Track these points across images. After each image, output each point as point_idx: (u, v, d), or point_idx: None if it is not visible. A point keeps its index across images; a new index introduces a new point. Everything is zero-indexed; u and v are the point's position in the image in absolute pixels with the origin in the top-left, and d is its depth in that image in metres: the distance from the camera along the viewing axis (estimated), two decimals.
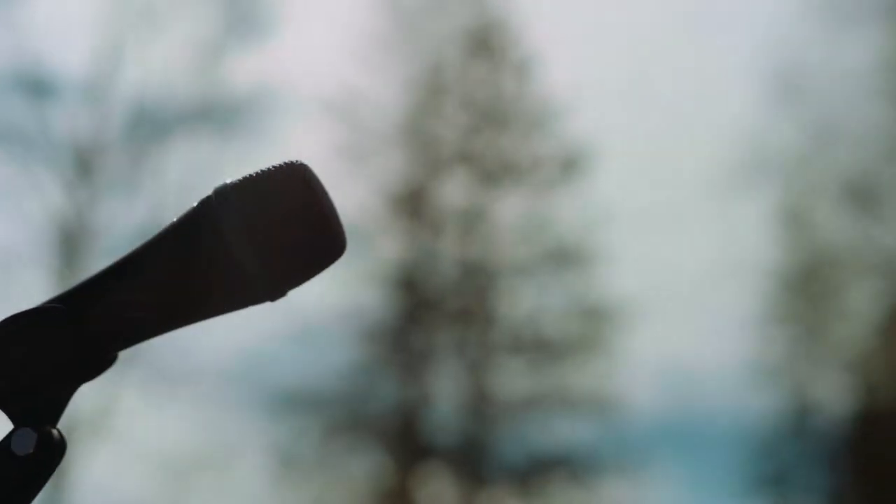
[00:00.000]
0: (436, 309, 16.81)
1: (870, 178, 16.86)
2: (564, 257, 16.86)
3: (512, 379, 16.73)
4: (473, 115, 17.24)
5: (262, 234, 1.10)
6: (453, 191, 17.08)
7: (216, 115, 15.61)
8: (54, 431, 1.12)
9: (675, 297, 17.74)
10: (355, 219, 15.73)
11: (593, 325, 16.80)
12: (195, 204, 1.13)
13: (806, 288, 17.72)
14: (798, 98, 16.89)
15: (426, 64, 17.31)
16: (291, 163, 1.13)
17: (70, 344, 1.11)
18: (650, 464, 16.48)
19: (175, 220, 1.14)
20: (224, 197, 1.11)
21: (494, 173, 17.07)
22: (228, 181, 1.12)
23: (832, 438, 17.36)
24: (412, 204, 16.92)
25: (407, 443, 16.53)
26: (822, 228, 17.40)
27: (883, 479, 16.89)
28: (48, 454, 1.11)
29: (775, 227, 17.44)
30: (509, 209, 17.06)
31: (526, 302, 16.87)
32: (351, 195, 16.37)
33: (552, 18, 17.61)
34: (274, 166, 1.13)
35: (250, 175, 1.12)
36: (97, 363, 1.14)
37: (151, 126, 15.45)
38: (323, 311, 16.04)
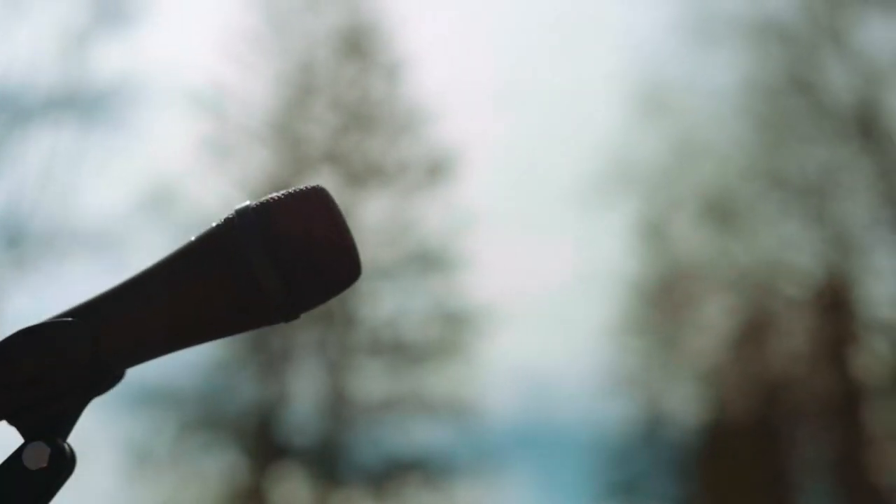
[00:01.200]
0: None
1: (728, 195, 17.24)
2: (427, 261, 16.93)
3: (370, 381, 16.72)
4: (342, 115, 17.21)
5: (284, 257, 1.10)
6: None
7: (80, 103, 15.35)
8: (66, 446, 1.11)
9: (535, 305, 17.93)
10: (218, 214, 15.57)
11: (453, 330, 16.88)
12: (216, 224, 1.13)
13: (662, 300, 18.05)
14: (662, 114, 17.21)
15: (296, 62, 17.24)
16: (312, 188, 1.14)
17: (83, 359, 1.10)
18: (505, 469, 16.63)
19: (194, 238, 1.13)
20: (247, 218, 1.11)
21: (360, 175, 17.06)
22: (250, 203, 1.13)
23: (683, 448, 17.71)
24: None
25: (263, 442, 16.42)
26: (680, 242, 17.75)
27: (730, 490, 17.26)
28: (60, 468, 1.10)
29: (635, 239, 17.73)
30: (374, 211, 17.07)
31: (387, 304, 16.89)
32: (214, 190, 16.25)
33: (424, 24, 17.68)
34: (294, 190, 1.13)
35: (272, 198, 1.13)
36: (108, 379, 1.14)
37: (11, 113, 15.14)
38: None
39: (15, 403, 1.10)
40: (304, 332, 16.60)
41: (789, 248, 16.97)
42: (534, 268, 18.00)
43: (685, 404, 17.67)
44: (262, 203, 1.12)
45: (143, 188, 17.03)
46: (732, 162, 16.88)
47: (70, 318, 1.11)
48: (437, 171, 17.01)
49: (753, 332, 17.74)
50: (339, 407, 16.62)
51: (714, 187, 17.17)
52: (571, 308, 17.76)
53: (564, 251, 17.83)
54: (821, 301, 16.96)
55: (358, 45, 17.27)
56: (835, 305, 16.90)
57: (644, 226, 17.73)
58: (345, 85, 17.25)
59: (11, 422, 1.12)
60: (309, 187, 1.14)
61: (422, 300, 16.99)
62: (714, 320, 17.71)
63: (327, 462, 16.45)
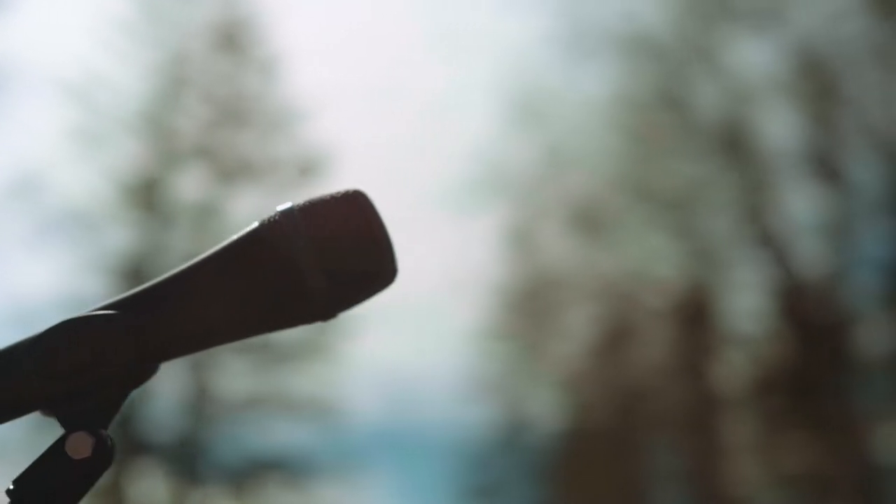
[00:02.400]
0: None
1: (595, 205, 17.48)
2: None
3: (234, 379, 16.61)
4: (214, 110, 17.07)
5: (329, 256, 1.12)
6: (188, 185, 16.87)
7: None
8: (108, 436, 1.12)
9: (402, 308, 17.96)
10: (84, 204, 15.38)
11: (319, 330, 16.84)
12: (259, 223, 1.14)
13: (527, 307, 18.24)
14: (535, 122, 17.39)
15: (170, 54, 17.06)
16: (354, 191, 1.16)
17: (125, 351, 1.11)
18: (367, 469, 16.64)
19: (237, 237, 1.14)
20: (292, 218, 1.12)
21: (231, 171, 16.94)
22: (293, 204, 1.14)
23: (542, 453, 17.90)
24: (145, 194, 16.63)
25: (122, 438, 16.20)
26: (547, 250, 17.96)
27: (587, 496, 17.49)
28: (103, 458, 1.11)
29: (503, 245, 17.89)
30: (243, 208, 16.95)
31: None
32: (82, 179, 16.01)
33: (301, 21, 17.61)
34: (336, 193, 1.16)
35: (314, 199, 1.15)
36: (146, 372, 1.14)
37: None
38: (43, 296, 15.61)
39: (57, 393, 1.11)
40: None
41: (653, 259, 17.27)
42: (402, 271, 18.02)
43: (546, 410, 17.87)
44: (306, 204, 1.14)
45: (8, 176, 16.71)
46: (601, 173, 17.14)
47: (114, 311, 1.12)
48: (309, 169, 16.96)
49: (615, 341, 18.02)
50: (201, 404, 16.47)
51: (582, 197, 17.41)
52: (438, 312, 17.86)
53: (433, 255, 17.92)
54: (682, 313, 17.28)
55: (233, 39, 17.15)
56: (695, 318, 17.23)
57: (512, 232, 17.91)
58: (218, 79, 17.12)
59: (53, 411, 1.12)
60: (350, 190, 1.16)
61: None
62: (577, 328, 17.96)
63: (187, 459, 16.30)
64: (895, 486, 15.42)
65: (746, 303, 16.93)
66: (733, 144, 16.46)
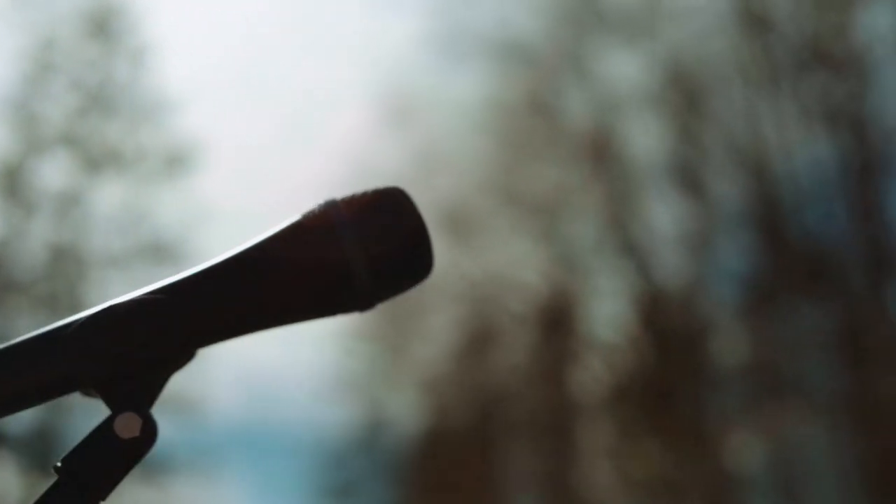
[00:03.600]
0: (21, 292, 16.25)
1: (462, 208, 17.60)
2: (159, 252, 16.68)
3: None
4: (81, 97, 16.81)
5: (373, 248, 1.16)
6: (52, 172, 16.60)
7: None
8: (153, 416, 1.14)
9: None
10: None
11: None
12: (303, 214, 1.17)
13: (390, 307, 18.21)
14: (405, 123, 17.45)
15: (37, 38, 16.75)
16: (394, 188, 1.21)
17: (171, 335, 1.14)
18: (224, 467, 16.53)
19: (281, 227, 1.17)
20: (338, 210, 1.16)
21: (97, 160, 16.71)
22: (337, 197, 1.17)
23: (401, 455, 17.97)
24: (7, 181, 16.32)
25: None
26: None
27: (444, 498, 17.60)
28: (150, 437, 1.13)
29: None
30: (108, 198, 16.74)
31: (115, 293, 16.52)
32: None
33: (174, 11, 17.44)
34: (377, 188, 1.20)
35: (357, 194, 1.19)
36: (187, 355, 1.17)
37: None
38: None
39: (105, 374, 1.13)
40: (27, 317, 16.14)
41: (518, 264, 17.43)
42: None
43: (406, 412, 17.95)
44: (349, 197, 1.18)
45: None
46: (470, 176, 17.26)
47: (161, 296, 1.14)
48: (176, 161, 16.79)
49: (477, 344, 18.16)
50: None
51: (450, 200, 17.51)
52: None
53: None
54: (544, 318, 17.48)
55: (104, 26, 16.91)
56: (557, 323, 17.44)
57: None
58: (87, 66, 16.87)
59: (100, 392, 1.14)
60: (390, 187, 1.20)
61: None
62: (440, 330, 18.05)
63: (41, 451, 16.02)
64: (746, 495, 15.79)
65: (607, 310, 17.21)
66: (600, 153, 16.71)
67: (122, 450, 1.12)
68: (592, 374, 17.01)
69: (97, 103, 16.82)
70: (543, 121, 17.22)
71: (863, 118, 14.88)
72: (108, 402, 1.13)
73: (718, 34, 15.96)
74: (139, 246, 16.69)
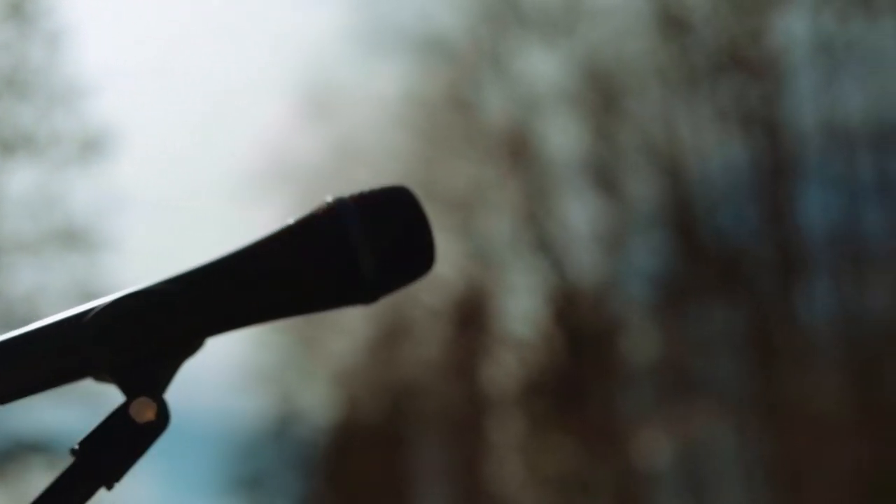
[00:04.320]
0: None
1: None
2: (71, 239, 16.52)
3: None
4: None
5: (380, 243, 1.20)
6: None
7: None
8: (166, 401, 1.17)
9: None
10: None
11: None
12: (313, 210, 1.20)
13: None
14: (324, 116, 17.42)
15: None
16: (400, 186, 1.24)
17: (184, 324, 1.18)
18: None
19: (291, 221, 1.21)
20: (347, 205, 1.19)
21: (9, 143, 16.49)
22: (345, 194, 1.21)
23: (311, 447, 17.96)
24: None
25: None
26: None
27: (354, 490, 17.62)
28: (164, 422, 1.17)
29: None
30: (19, 182, 16.53)
31: (25, 279, 16.40)
32: None
33: None
34: (384, 186, 1.23)
35: (365, 191, 1.22)
36: (198, 344, 1.20)
37: None
38: None
39: (121, 361, 1.17)
40: None
41: None
42: (182, 255, 17.85)
43: (318, 404, 17.94)
44: (358, 194, 1.21)
45: None
46: (387, 170, 17.26)
47: (175, 286, 1.18)
48: (90, 147, 16.60)
49: (390, 338, 18.20)
50: None
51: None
52: None
53: (215, 242, 17.77)
54: (458, 313, 17.56)
55: (18, 8, 16.68)
56: (470, 318, 17.54)
57: None
58: (1, 48, 16.62)
59: (115, 377, 1.17)
60: (396, 185, 1.24)
61: (62, 278, 16.55)
62: (353, 323, 18.05)
63: None
64: (654, 492, 15.98)
65: (521, 306, 17.33)
66: (517, 150, 16.81)
67: (137, 433, 1.15)
68: (505, 370, 17.12)
69: (11, 87, 16.59)
70: (462, 117, 17.29)
71: (777, 122, 15.12)
72: (123, 388, 1.16)
73: (636, 35, 16.14)
74: (51, 231, 16.52)
